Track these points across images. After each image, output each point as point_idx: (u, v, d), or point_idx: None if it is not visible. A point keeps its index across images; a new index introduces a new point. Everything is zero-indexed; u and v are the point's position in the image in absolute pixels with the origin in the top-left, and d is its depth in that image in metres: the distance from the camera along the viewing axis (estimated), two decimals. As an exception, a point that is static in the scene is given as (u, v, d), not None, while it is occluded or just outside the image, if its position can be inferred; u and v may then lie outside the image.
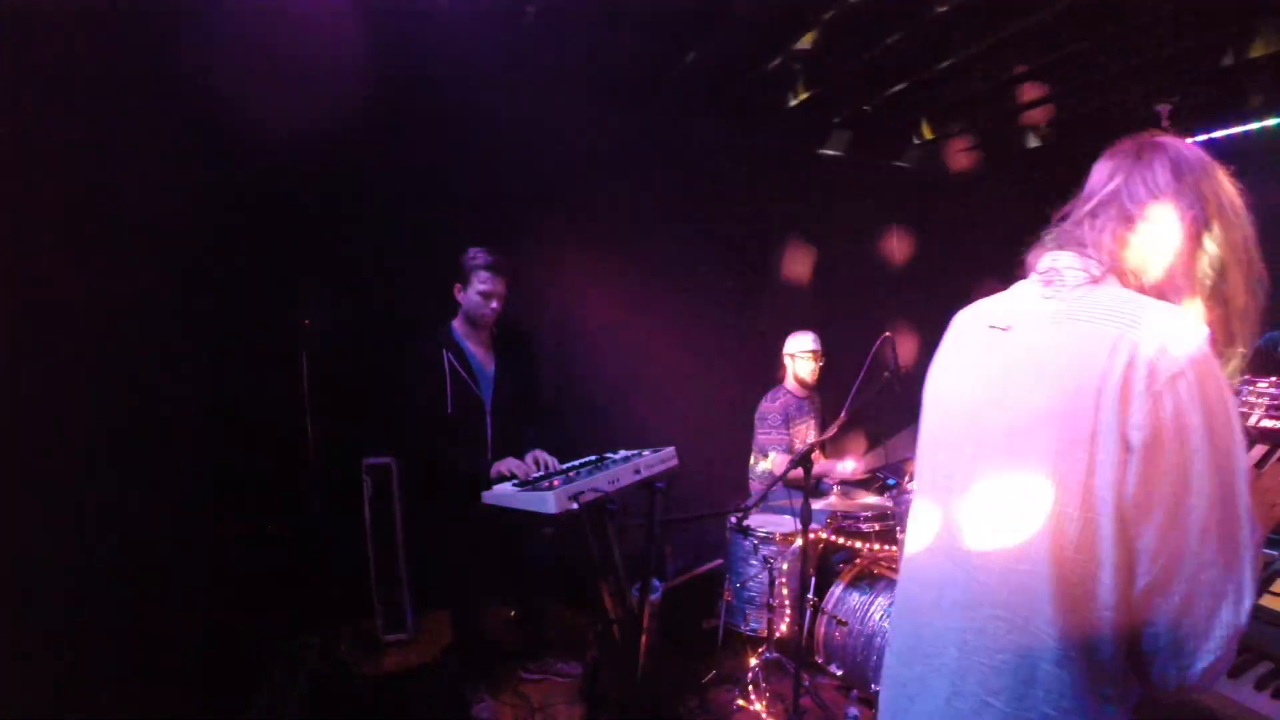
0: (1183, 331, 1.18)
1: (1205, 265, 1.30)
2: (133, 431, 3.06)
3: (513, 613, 4.37)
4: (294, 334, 4.13)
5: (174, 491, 3.46)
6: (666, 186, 5.67)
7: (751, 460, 5.01)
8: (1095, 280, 1.32)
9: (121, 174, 3.10)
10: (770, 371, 5.19)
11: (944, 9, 4.14)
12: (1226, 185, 1.35)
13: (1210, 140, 6.30)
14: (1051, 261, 1.39)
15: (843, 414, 3.45)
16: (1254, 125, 5.97)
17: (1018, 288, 1.46)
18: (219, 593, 3.76)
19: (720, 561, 4.45)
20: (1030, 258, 1.46)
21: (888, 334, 3.44)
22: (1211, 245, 1.30)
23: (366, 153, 4.45)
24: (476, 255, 3.72)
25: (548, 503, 2.86)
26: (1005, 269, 1.54)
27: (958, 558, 1.36)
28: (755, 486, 4.96)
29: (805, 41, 4.60)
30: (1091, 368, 1.19)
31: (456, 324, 3.81)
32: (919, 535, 1.49)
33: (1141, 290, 1.31)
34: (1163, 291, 1.31)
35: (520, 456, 3.65)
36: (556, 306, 5.18)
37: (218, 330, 4.00)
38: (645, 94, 5.41)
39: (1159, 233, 1.31)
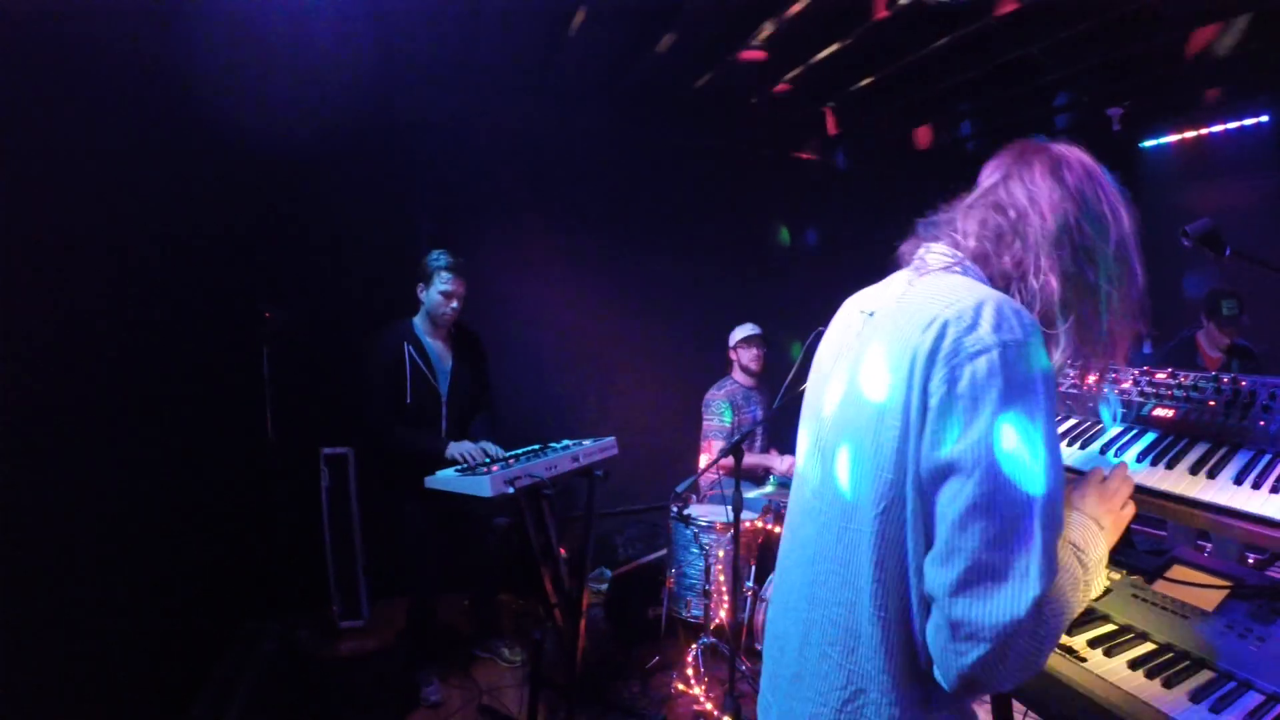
0: (1004, 316, 1.21)
1: (1068, 262, 1.33)
2: (92, 421, 3.18)
3: (466, 601, 4.56)
4: (255, 327, 4.29)
5: (135, 479, 3.57)
6: (611, 182, 5.88)
7: (700, 449, 5.16)
8: (951, 267, 1.37)
9: (79, 166, 3.18)
10: (719, 362, 5.36)
11: (891, 14, 4.32)
12: (1110, 190, 1.39)
13: (1160, 145, 6.50)
14: (923, 250, 1.45)
15: (774, 405, 3.61)
16: (1204, 130, 6.19)
17: (894, 275, 1.51)
18: (178, 579, 3.87)
19: (664, 551, 4.61)
20: (905, 247, 1.51)
21: (821, 329, 3.59)
22: (1078, 243, 1.33)
23: (327, 152, 4.62)
24: (439, 257, 3.90)
25: (483, 486, 3.03)
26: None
27: (811, 514, 1.44)
28: (704, 476, 5.10)
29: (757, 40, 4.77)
30: (910, 340, 1.25)
31: (418, 320, 3.99)
32: (792, 498, 1.59)
33: (995, 280, 1.36)
34: (1010, 280, 1.35)
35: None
36: (509, 301, 5.35)
37: (179, 322, 4.09)
38: (594, 92, 5.60)
39: (1024, 226, 1.35)
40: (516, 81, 5.31)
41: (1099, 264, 1.35)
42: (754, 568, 4.14)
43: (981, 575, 1.13)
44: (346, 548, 4.63)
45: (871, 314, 1.44)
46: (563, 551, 4.58)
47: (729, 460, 4.80)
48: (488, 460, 3.58)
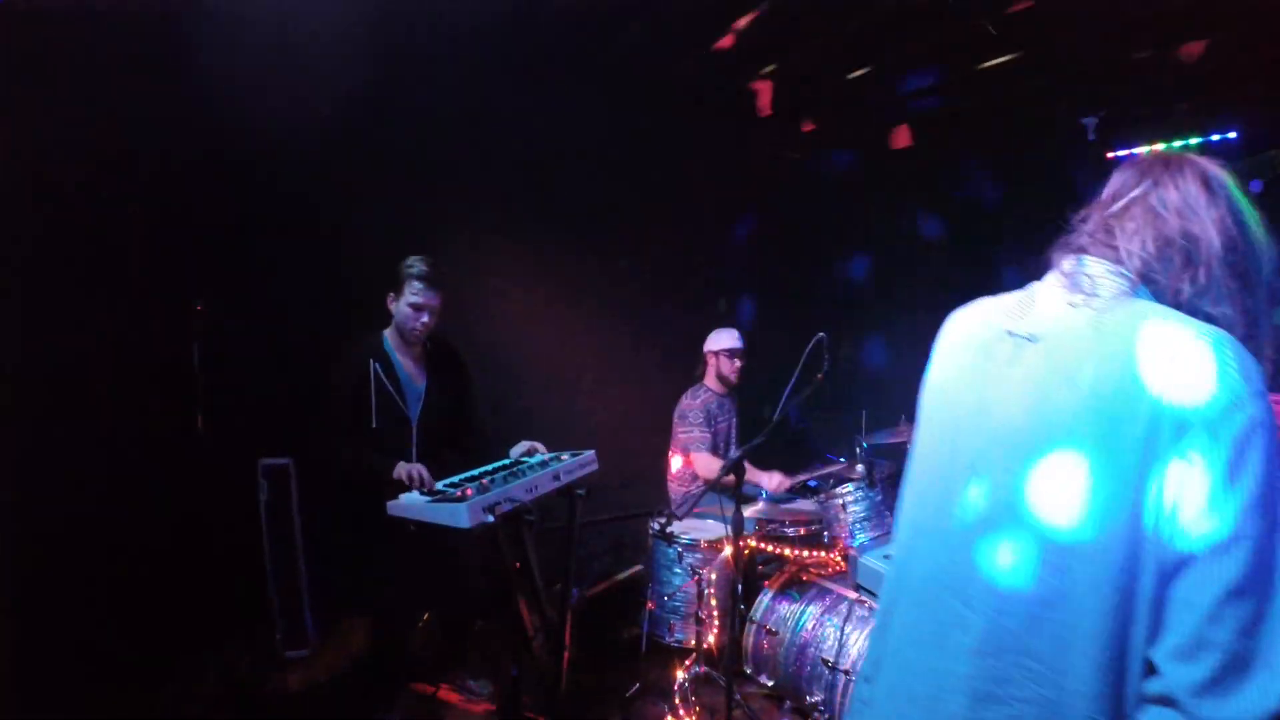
0: (1244, 362, 1.09)
1: (1237, 287, 1.23)
2: None
3: (426, 626, 4.21)
4: (185, 320, 3.93)
5: (45, 493, 3.21)
6: (575, 182, 5.55)
7: (670, 459, 4.95)
8: (1129, 291, 1.24)
9: None
10: (686, 369, 5.13)
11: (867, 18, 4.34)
12: (1248, 204, 1.29)
13: (1133, 155, 6.56)
14: (1079, 266, 1.30)
15: (775, 416, 3.39)
16: (1177, 142, 6.17)
17: (1036, 291, 1.37)
18: (98, 606, 3.54)
19: (640, 568, 4.37)
20: (1052, 258, 1.38)
21: (821, 335, 3.38)
22: (1241, 267, 1.24)
23: (277, 134, 4.19)
24: (413, 264, 3.53)
25: (460, 516, 2.71)
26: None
27: (970, 596, 1.24)
28: (674, 488, 4.91)
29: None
30: (1139, 392, 1.10)
31: (388, 334, 3.62)
32: (911, 563, 1.39)
33: (1178, 304, 1.23)
34: (1197, 307, 1.23)
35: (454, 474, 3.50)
36: (471, 307, 5.00)
37: (94, 314, 3.73)
38: (560, 89, 5.30)
39: (1194, 246, 1.24)
40: (478, 69, 4.95)
41: (1257, 290, 1.24)
42: (741, 588, 3.91)
43: (1233, 668, 1.02)
44: (289, 568, 4.23)
45: (1031, 339, 1.29)
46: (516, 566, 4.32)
47: (710, 473, 4.66)
48: (453, 483, 3.22)
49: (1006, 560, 1.21)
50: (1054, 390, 1.20)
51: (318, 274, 4.33)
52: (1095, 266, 1.28)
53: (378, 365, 3.51)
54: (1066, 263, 1.33)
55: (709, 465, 4.69)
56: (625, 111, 5.60)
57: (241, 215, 4.24)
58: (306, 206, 4.38)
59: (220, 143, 4.06)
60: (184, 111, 3.80)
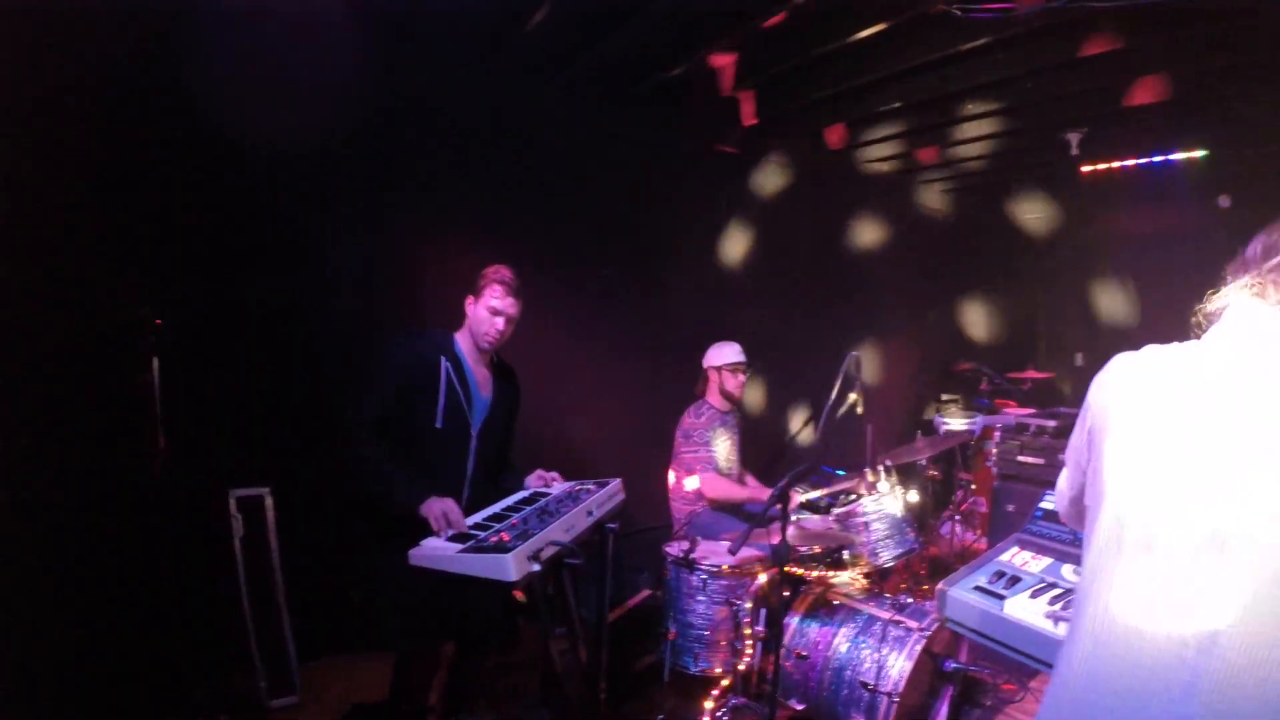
0: None
1: None
2: None
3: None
4: (141, 333, 3.59)
5: None
6: (556, 188, 5.37)
7: (672, 479, 4.81)
8: None
9: None
10: (678, 383, 4.98)
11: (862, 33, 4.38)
12: None
13: (1102, 170, 6.86)
14: (1251, 317, 1.42)
15: (818, 434, 3.26)
16: (1156, 158, 6.56)
17: (1215, 342, 1.46)
18: (57, 658, 3.27)
19: (648, 593, 4.22)
20: (1212, 311, 1.51)
21: (855, 353, 3.27)
22: None
23: (251, 137, 3.88)
24: (498, 270, 3.34)
25: (505, 569, 2.50)
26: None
27: (1203, 646, 1.24)
28: (678, 506, 4.78)
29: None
30: None
31: (459, 336, 3.39)
32: (1122, 609, 1.37)
33: None
34: None
35: (489, 501, 3.27)
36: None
37: (43, 332, 3.44)
38: (548, 88, 5.16)
39: None
40: (463, 73, 4.76)
41: None
42: (764, 612, 3.80)
43: None
44: (269, 608, 3.95)
45: (1221, 388, 1.38)
46: (519, 595, 4.07)
47: (717, 494, 4.59)
48: (480, 525, 2.96)
49: (1233, 599, 1.24)
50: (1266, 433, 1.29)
51: (293, 286, 4.04)
52: (1268, 317, 1.41)
53: (449, 364, 3.26)
54: (1232, 315, 1.45)
55: (717, 486, 4.58)
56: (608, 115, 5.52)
57: (206, 221, 3.91)
58: (280, 213, 4.10)
59: (179, 143, 3.78)
60: (153, 116, 3.58)
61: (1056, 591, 2.53)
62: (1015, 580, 2.61)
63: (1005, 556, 2.82)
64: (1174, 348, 1.50)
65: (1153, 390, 1.48)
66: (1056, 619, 2.35)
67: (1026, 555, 2.80)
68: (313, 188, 4.22)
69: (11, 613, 3.05)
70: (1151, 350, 1.52)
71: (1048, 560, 2.75)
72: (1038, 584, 2.59)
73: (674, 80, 5.14)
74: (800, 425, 6.42)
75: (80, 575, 3.46)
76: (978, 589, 2.61)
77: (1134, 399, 1.49)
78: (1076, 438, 1.64)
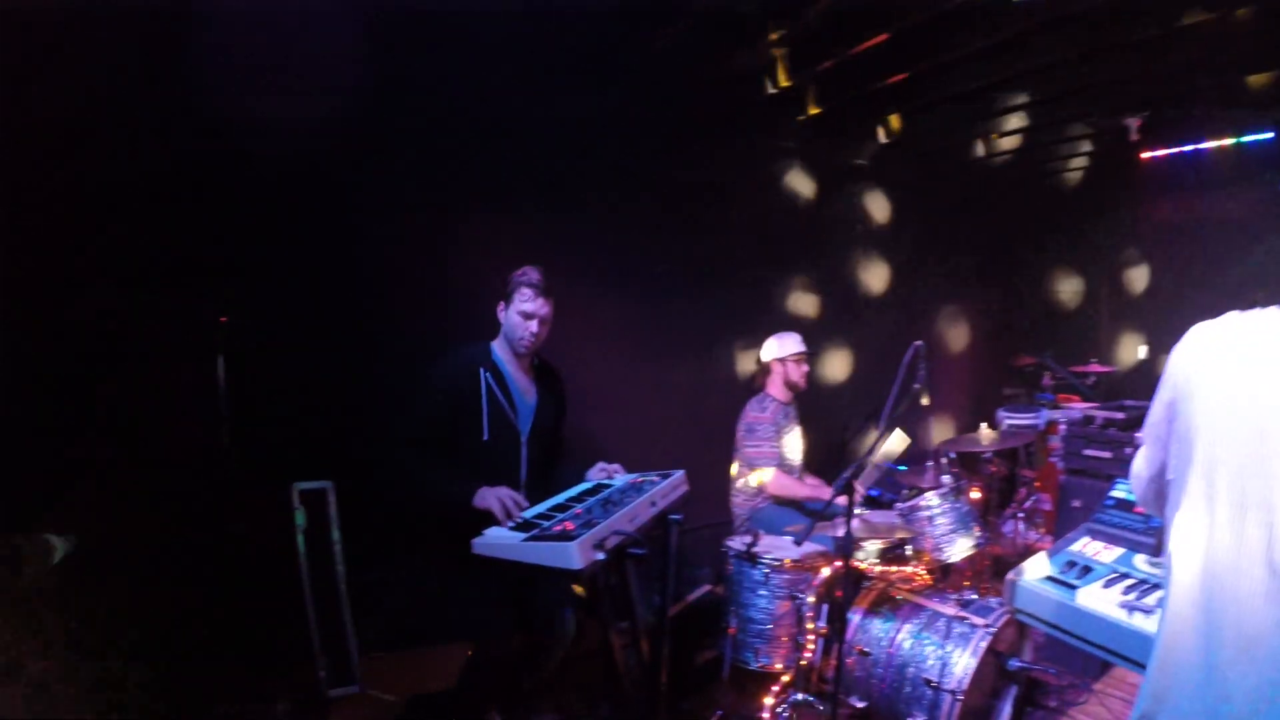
0: None
1: None
2: None
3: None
4: (207, 331, 3.72)
5: (54, 522, 2.99)
6: (609, 174, 5.37)
7: (734, 473, 4.82)
8: None
9: None
10: (730, 376, 4.98)
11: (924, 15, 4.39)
12: None
13: (1176, 154, 6.79)
14: None
15: (881, 428, 3.24)
16: (1214, 143, 6.48)
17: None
18: (119, 645, 3.32)
19: (707, 588, 4.23)
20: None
21: (919, 342, 3.24)
22: None
23: (307, 136, 3.98)
24: (525, 272, 3.38)
25: (570, 557, 2.52)
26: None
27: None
28: (739, 502, 4.78)
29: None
30: None
31: (496, 345, 3.45)
32: (1212, 580, 1.50)
33: None
34: None
35: (546, 496, 3.28)
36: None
37: (112, 331, 3.56)
38: (612, 88, 5.14)
39: None
40: (505, 66, 4.78)
41: None
42: (827, 608, 3.79)
43: None
44: (331, 599, 4.04)
45: None
46: (578, 589, 4.09)
47: (780, 490, 4.61)
48: (541, 514, 2.98)
49: None
50: None
51: (354, 283, 4.14)
52: None
53: (488, 375, 3.32)
54: None
55: (779, 481, 4.58)
56: (675, 112, 5.52)
57: (269, 221, 4.01)
58: (340, 213, 4.20)
59: (237, 144, 3.84)
60: (209, 116, 3.64)
61: (1130, 582, 2.51)
62: (1087, 570, 2.61)
63: (1076, 547, 2.81)
64: (1253, 314, 1.60)
65: (1235, 353, 1.58)
66: (1131, 609, 2.33)
67: (1098, 545, 2.79)
68: (373, 187, 4.30)
69: (88, 603, 3.15)
70: (1231, 317, 1.62)
71: (1119, 550, 2.73)
72: (1110, 574, 2.57)
73: (732, 72, 5.21)
74: (861, 418, 6.40)
75: (147, 565, 3.55)
76: (1049, 579, 2.60)
77: (1217, 363, 1.58)
78: (1155, 413, 1.70)
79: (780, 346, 4.83)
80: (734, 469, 4.82)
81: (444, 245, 4.46)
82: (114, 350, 3.55)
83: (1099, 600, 2.42)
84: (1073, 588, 2.51)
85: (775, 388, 4.83)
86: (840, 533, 3.23)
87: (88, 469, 3.38)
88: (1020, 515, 5.61)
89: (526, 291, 3.34)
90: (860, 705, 3.69)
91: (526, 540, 2.67)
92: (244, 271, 3.93)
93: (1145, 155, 6.75)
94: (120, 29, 3.34)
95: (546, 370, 3.62)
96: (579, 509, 2.95)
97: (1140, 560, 2.63)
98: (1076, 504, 4.73)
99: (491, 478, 3.23)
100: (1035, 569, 2.66)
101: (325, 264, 4.20)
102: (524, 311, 3.34)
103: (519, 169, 4.85)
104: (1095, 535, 2.84)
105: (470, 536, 2.81)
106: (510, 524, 2.88)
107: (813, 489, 4.72)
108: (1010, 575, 2.65)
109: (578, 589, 4.24)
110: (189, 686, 3.70)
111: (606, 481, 3.38)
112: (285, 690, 3.97)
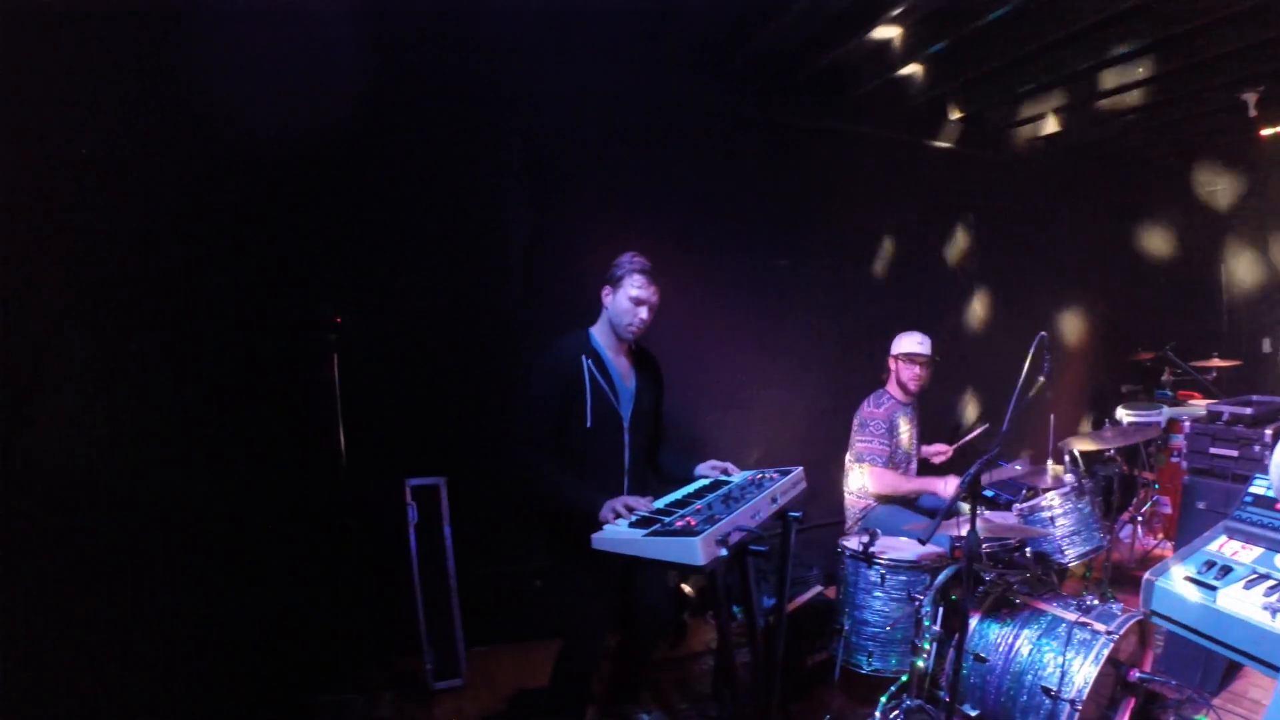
0: None
1: None
2: (124, 451, 2.79)
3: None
4: (322, 331, 3.92)
5: (178, 515, 3.17)
6: (725, 168, 5.48)
7: (847, 468, 4.82)
8: None
9: (122, 163, 2.87)
10: (845, 375, 5.02)
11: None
12: None
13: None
14: None
15: (1005, 425, 3.25)
16: None
17: None
18: (233, 636, 3.52)
19: (819, 589, 4.26)
20: None
21: (1043, 334, 3.24)
22: None
23: (408, 139, 4.19)
24: (633, 259, 3.43)
25: (693, 552, 2.56)
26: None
27: None
28: (852, 500, 4.79)
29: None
30: None
31: (595, 330, 3.51)
32: None
33: None
34: None
35: (648, 488, 3.38)
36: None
37: (230, 331, 3.72)
38: (710, 84, 5.27)
39: None
40: (620, 53, 4.88)
41: None
42: (943, 611, 3.80)
43: None
44: (441, 594, 4.22)
45: None
46: (687, 589, 4.17)
47: (884, 488, 4.60)
48: (661, 510, 3.03)
49: None
50: None
51: (464, 283, 4.29)
52: None
53: (589, 362, 3.39)
54: None
55: (884, 479, 4.58)
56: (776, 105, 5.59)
57: (383, 223, 4.19)
58: (451, 214, 4.36)
59: (368, 149, 4.07)
60: (330, 122, 3.77)
61: (1271, 583, 2.44)
62: (1227, 570, 2.54)
63: (1213, 546, 2.73)
64: None
65: None
66: (1275, 611, 2.29)
67: (1236, 545, 2.70)
68: (481, 189, 4.45)
69: (212, 589, 3.34)
70: None
71: (1259, 550, 2.64)
72: (1250, 575, 2.50)
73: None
74: (980, 412, 6.38)
75: (266, 557, 3.74)
76: (1188, 579, 2.56)
77: None
78: None
79: (898, 343, 4.83)
80: (847, 461, 4.83)
81: (553, 245, 4.60)
82: (235, 352, 3.69)
83: (1241, 602, 2.37)
84: (1213, 589, 2.46)
85: (892, 384, 4.84)
86: (962, 532, 3.24)
87: (211, 468, 3.55)
88: (1139, 519, 5.51)
89: (638, 278, 3.38)
90: (973, 714, 3.68)
91: (648, 535, 2.71)
92: (358, 272, 4.12)
93: (1265, 132, 6.52)
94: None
95: (643, 353, 3.66)
96: (699, 504, 2.99)
97: (1282, 561, 2.58)
98: (1202, 505, 4.63)
99: (596, 466, 3.33)
100: (1175, 569, 2.62)
101: (436, 264, 4.36)
102: (635, 297, 3.38)
103: (636, 170, 5.01)
104: (1233, 534, 2.76)
105: (579, 534, 2.90)
106: (633, 522, 2.91)
107: (918, 483, 4.67)
108: (1148, 575, 2.62)
109: (686, 589, 4.35)
110: (300, 675, 3.91)
111: (725, 478, 3.44)
112: (392, 681, 4.17)
